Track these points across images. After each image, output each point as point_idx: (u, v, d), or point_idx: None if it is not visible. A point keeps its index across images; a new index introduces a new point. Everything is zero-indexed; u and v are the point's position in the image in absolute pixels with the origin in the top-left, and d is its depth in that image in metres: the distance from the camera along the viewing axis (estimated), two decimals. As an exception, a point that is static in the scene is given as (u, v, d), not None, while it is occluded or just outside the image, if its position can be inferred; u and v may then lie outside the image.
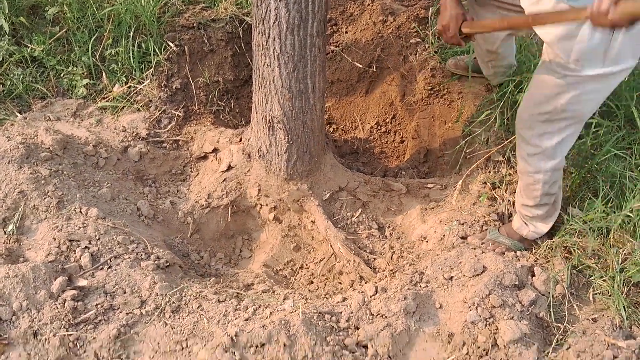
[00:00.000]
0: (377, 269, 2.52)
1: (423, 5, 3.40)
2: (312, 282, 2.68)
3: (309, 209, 2.75)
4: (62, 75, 3.18)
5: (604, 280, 2.13)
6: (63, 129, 2.85)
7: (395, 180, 2.88)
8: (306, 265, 2.76)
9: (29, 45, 3.18)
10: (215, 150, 2.98)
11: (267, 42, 2.34)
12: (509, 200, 2.50)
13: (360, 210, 2.81)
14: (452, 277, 2.11)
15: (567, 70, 1.80)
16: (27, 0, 3.46)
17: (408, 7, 3.43)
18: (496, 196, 2.54)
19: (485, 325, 1.92)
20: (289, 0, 2.18)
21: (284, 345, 1.80)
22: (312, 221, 2.76)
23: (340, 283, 2.61)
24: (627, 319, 2.03)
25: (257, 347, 1.80)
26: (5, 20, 3.10)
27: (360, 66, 3.31)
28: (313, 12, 2.26)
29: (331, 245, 2.66)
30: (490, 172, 2.64)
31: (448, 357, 1.89)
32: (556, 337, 1.97)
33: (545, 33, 1.82)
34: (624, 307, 2.03)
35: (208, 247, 2.78)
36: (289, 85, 2.43)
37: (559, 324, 2.00)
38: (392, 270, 2.38)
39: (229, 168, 2.86)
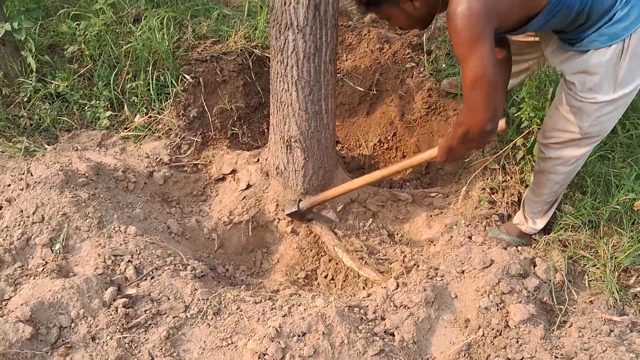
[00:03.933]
0: (391, 271, 2.75)
1: (415, 34, 3.72)
2: (329, 288, 2.90)
3: (314, 230, 2.98)
4: (85, 108, 3.42)
5: (597, 268, 2.40)
6: (92, 157, 3.08)
7: (402, 191, 3.14)
8: (323, 273, 2.98)
9: (52, 81, 3.42)
10: (233, 172, 3.22)
11: (285, 69, 2.61)
12: (507, 203, 2.78)
13: (371, 219, 3.06)
14: (463, 270, 2.36)
15: (583, 98, 2.07)
16: (46, 39, 3.73)
17: (402, 36, 3.75)
18: (495, 199, 2.81)
19: (497, 309, 2.17)
20: (306, 32, 2.47)
21: (323, 333, 2.02)
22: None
23: (356, 287, 2.84)
24: (619, 300, 2.29)
25: (299, 336, 2.02)
26: (33, 58, 3.34)
27: (362, 90, 3.61)
28: (326, 42, 2.55)
29: (342, 262, 2.88)
30: (487, 179, 2.92)
31: (466, 340, 2.13)
32: (559, 317, 2.22)
33: (562, 70, 2.11)
34: (616, 290, 2.30)
35: (232, 260, 3.00)
36: (306, 108, 2.69)
37: (561, 306, 2.26)
38: (406, 268, 2.62)
39: (248, 186, 3.10)
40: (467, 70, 1.85)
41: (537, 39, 2.41)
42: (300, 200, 2.89)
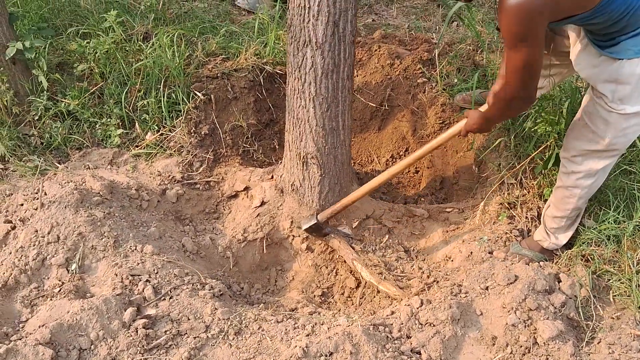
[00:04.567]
0: (410, 287, 2.72)
1: (425, 49, 3.73)
2: (347, 306, 2.86)
3: (332, 244, 2.95)
4: (96, 126, 3.40)
5: (622, 283, 2.37)
6: (105, 176, 3.05)
7: (417, 207, 3.12)
8: (340, 289, 2.94)
9: (63, 100, 3.40)
10: (246, 189, 3.19)
11: (303, 86, 2.60)
12: (526, 217, 2.76)
13: (387, 236, 3.03)
14: (487, 286, 2.33)
15: (612, 108, 2.06)
16: (55, 58, 3.72)
17: (412, 51, 3.76)
18: (514, 214, 2.79)
19: (525, 326, 2.14)
20: (325, 48, 2.46)
21: (350, 352, 1.98)
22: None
23: (375, 305, 2.80)
24: (646, 315, 2.26)
25: (326, 356, 1.98)
26: (44, 76, 3.32)
27: (373, 105, 3.60)
28: (344, 59, 2.54)
29: (361, 276, 2.85)
30: (504, 194, 2.90)
31: (494, 357, 2.10)
32: (587, 333, 2.19)
33: (590, 77, 2.11)
34: (643, 304, 2.27)
35: (246, 279, 2.96)
36: (323, 124, 2.68)
37: (588, 322, 2.23)
38: (426, 284, 2.59)
39: (262, 203, 3.07)
40: (514, 60, 1.93)
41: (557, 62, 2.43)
42: (318, 212, 2.86)
